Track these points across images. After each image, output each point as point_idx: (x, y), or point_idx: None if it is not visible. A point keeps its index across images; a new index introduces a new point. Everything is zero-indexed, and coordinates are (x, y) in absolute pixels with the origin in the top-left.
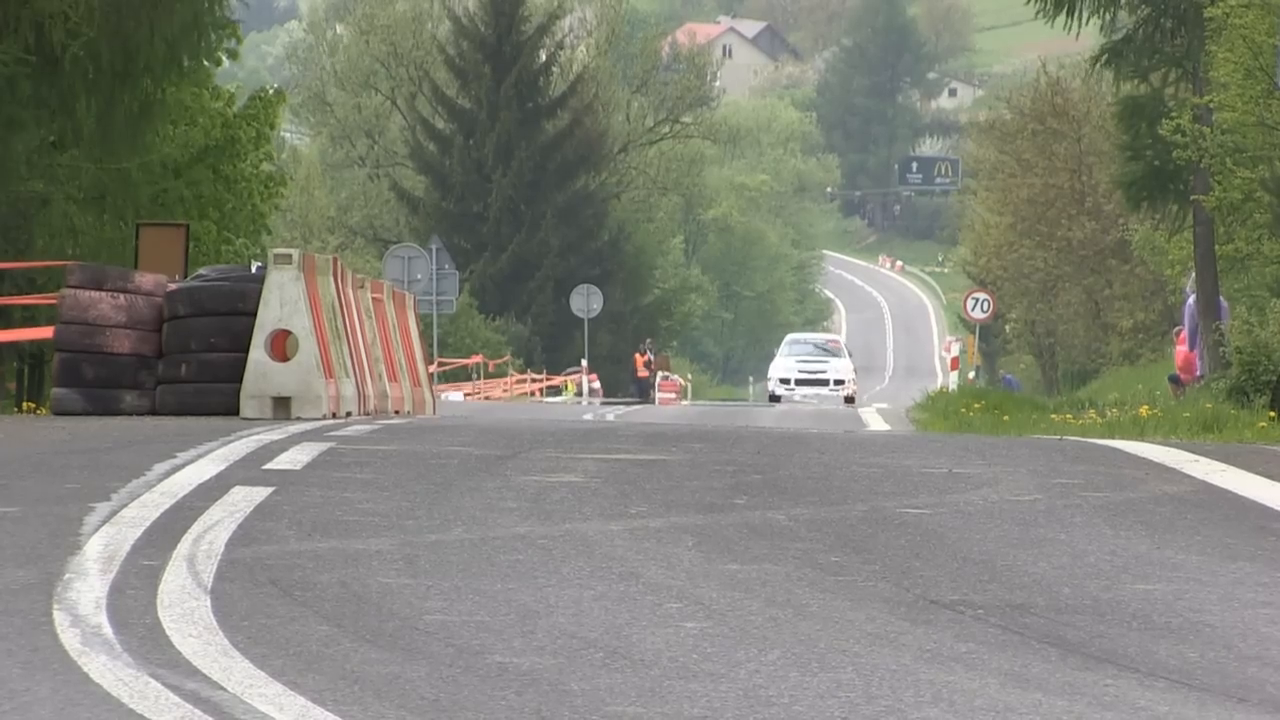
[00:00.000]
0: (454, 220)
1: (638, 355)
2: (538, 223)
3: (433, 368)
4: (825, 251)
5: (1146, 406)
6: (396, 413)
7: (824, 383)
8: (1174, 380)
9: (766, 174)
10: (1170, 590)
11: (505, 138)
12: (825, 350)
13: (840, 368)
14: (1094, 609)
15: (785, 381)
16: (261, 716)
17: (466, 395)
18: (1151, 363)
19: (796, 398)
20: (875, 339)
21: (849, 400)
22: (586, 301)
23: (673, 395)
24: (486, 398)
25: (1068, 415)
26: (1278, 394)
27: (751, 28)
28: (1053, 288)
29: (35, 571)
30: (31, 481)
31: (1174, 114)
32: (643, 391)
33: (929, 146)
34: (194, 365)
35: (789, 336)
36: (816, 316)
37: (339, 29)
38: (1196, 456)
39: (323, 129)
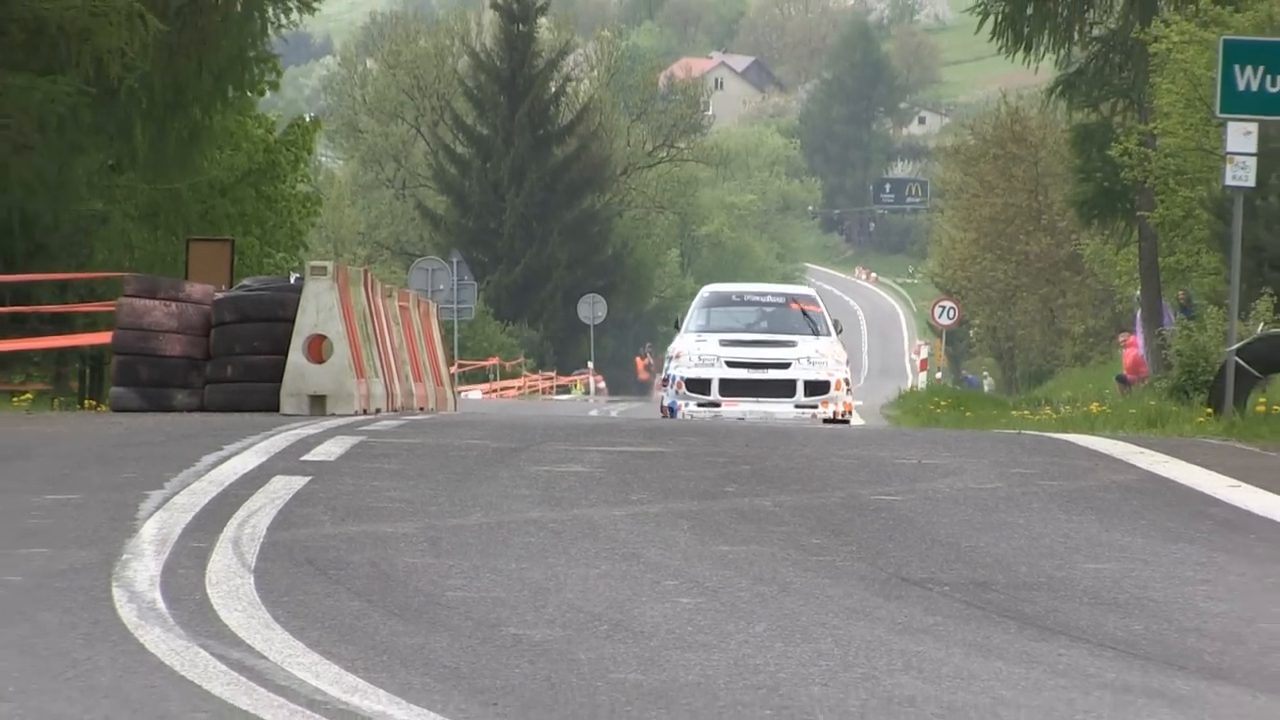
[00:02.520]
0: (472, 236)
1: (638, 359)
2: (548, 238)
3: (453, 369)
4: (807, 264)
5: (1096, 404)
6: (421, 409)
7: (783, 389)
8: (1121, 380)
9: (754, 194)
10: (1118, 569)
11: (519, 161)
12: (783, 317)
13: (816, 355)
14: (1049, 586)
15: (699, 386)
16: (300, 683)
17: (485, 394)
18: (1101, 364)
19: (723, 416)
20: (852, 343)
21: (837, 421)
22: (592, 309)
23: None
24: (502, 395)
25: (1025, 412)
26: (1214, 392)
27: (741, 62)
28: (1012, 297)
29: (96, 552)
30: (92, 471)
31: (1121, 139)
32: (644, 393)
33: (901, 169)
34: (238, 366)
35: (707, 290)
36: None
37: (369, 63)
38: (1142, 449)
39: (354, 153)
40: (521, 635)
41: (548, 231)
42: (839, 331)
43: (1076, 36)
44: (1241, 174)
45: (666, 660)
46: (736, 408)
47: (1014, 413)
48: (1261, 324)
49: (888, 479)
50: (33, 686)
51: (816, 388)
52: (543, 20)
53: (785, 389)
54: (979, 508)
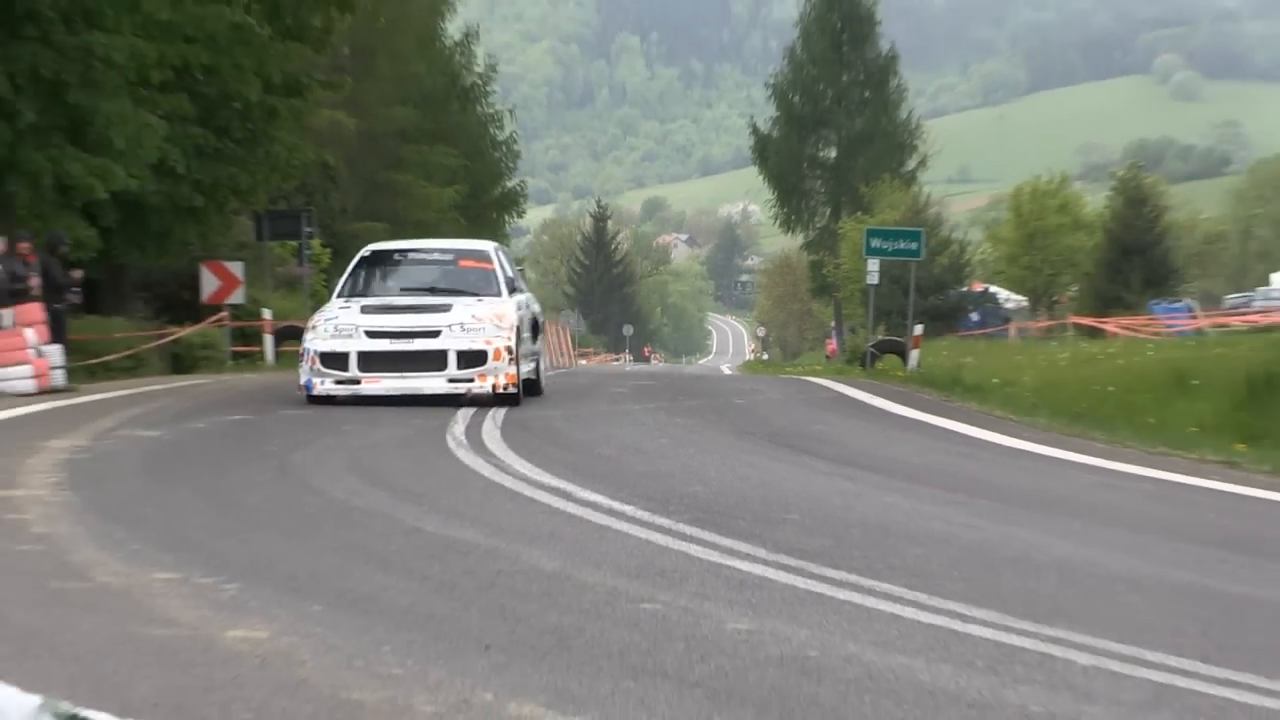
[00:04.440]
0: (583, 303)
1: (645, 349)
2: (609, 305)
3: (575, 352)
4: (709, 313)
5: (819, 365)
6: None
7: (433, 361)
8: (827, 357)
9: (687, 287)
10: (828, 429)
11: (597, 275)
12: (449, 276)
13: (472, 321)
14: (801, 434)
15: (335, 361)
16: (519, 474)
17: (588, 362)
18: (819, 350)
19: (364, 392)
20: (720, 341)
21: (502, 397)
22: (628, 330)
23: (658, 362)
24: (590, 363)
25: (791, 369)
26: (863, 361)
27: (684, 237)
28: (786, 325)
29: (439, 422)
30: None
31: (828, 265)
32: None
33: (745, 277)
34: None
35: (368, 248)
36: (702, 337)
37: (543, 238)
38: (835, 383)
39: (534, 274)
40: (601, 454)
41: (610, 303)
42: (518, 287)
43: (812, 227)
44: (873, 278)
45: (657, 462)
46: (379, 384)
47: (787, 370)
48: (880, 335)
49: (740, 394)
50: (411, 474)
51: (471, 359)
52: (609, 221)
53: (435, 361)
54: (775, 406)
